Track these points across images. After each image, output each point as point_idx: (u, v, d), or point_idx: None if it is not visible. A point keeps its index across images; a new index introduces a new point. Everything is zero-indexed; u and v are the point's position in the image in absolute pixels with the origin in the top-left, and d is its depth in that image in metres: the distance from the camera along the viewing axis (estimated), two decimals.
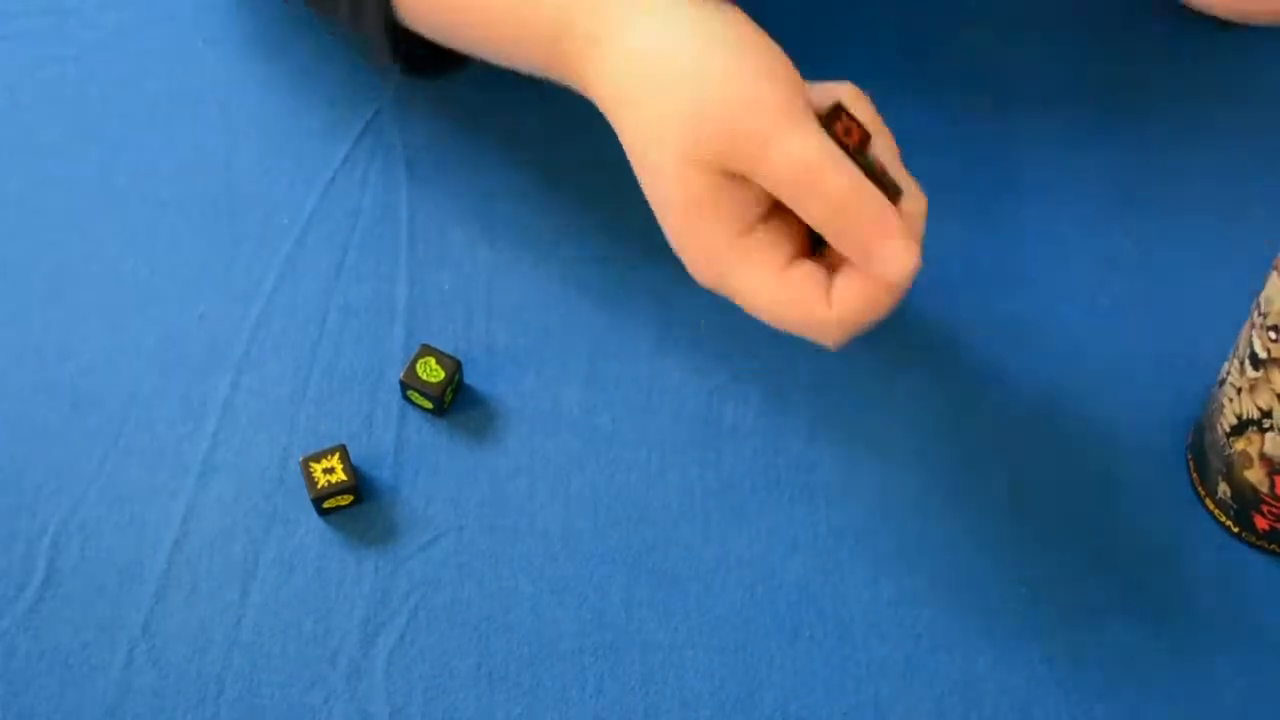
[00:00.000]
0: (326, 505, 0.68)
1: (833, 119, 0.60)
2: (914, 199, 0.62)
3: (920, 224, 0.62)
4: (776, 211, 0.61)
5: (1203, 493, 0.68)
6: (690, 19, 0.62)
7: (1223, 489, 0.67)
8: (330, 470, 0.68)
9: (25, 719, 0.63)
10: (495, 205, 0.79)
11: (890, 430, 0.71)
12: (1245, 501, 0.66)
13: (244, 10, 0.87)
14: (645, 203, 0.78)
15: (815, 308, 0.59)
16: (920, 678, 0.64)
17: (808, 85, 0.62)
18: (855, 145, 0.59)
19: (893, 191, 0.60)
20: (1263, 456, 0.63)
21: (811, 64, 0.86)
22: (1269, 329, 0.60)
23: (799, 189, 0.58)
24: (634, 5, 0.63)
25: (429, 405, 0.71)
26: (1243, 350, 0.63)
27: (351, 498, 0.68)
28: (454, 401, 0.72)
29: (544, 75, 0.68)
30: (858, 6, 0.84)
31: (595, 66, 0.64)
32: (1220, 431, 0.66)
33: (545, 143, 0.81)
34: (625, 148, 0.63)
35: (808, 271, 0.60)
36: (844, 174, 0.57)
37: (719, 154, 0.59)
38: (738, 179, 0.59)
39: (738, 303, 0.61)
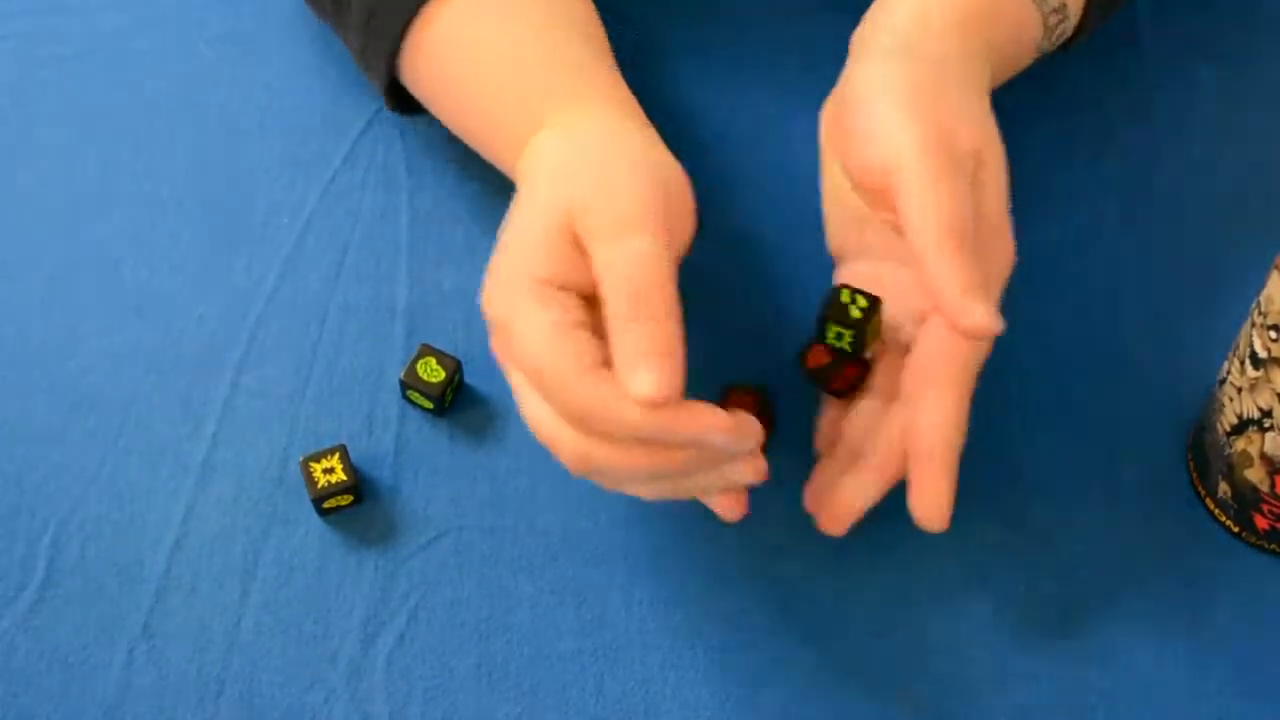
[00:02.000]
0: (326, 505, 0.68)
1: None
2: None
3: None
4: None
5: (1203, 493, 0.68)
6: (606, 129, 0.66)
7: (1223, 489, 0.67)
8: (330, 470, 0.68)
9: (25, 719, 0.63)
10: (495, 205, 0.78)
11: None
12: (1245, 501, 0.66)
13: (245, 10, 0.87)
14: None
15: (578, 382, 0.57)
16: (920, 678, 0.64)
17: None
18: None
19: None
20: (1263, 456, 0.63)
21: (810, 67, 0.86)
22: (1269, 328, 0.60)
23: (608, 287, 0.58)
24: (573, 108, 0.67)
25: (429, 405, 0.71)
26: (1243, 350, 0.63)
27: (351, 498, 0.68)
28: (454, 401, 0.72)
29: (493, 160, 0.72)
30: (860, 7, 0.84)
31: (526, 151, 0.67)
32: (1221, 431, 0.66)
33: None
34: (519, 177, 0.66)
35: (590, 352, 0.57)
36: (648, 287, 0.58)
37: (573, 221, 0.60)
38: (579, 265, 0.60)
39: (511, 337, 0.60)
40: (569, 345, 0.57)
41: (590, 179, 0.62)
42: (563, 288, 0.59)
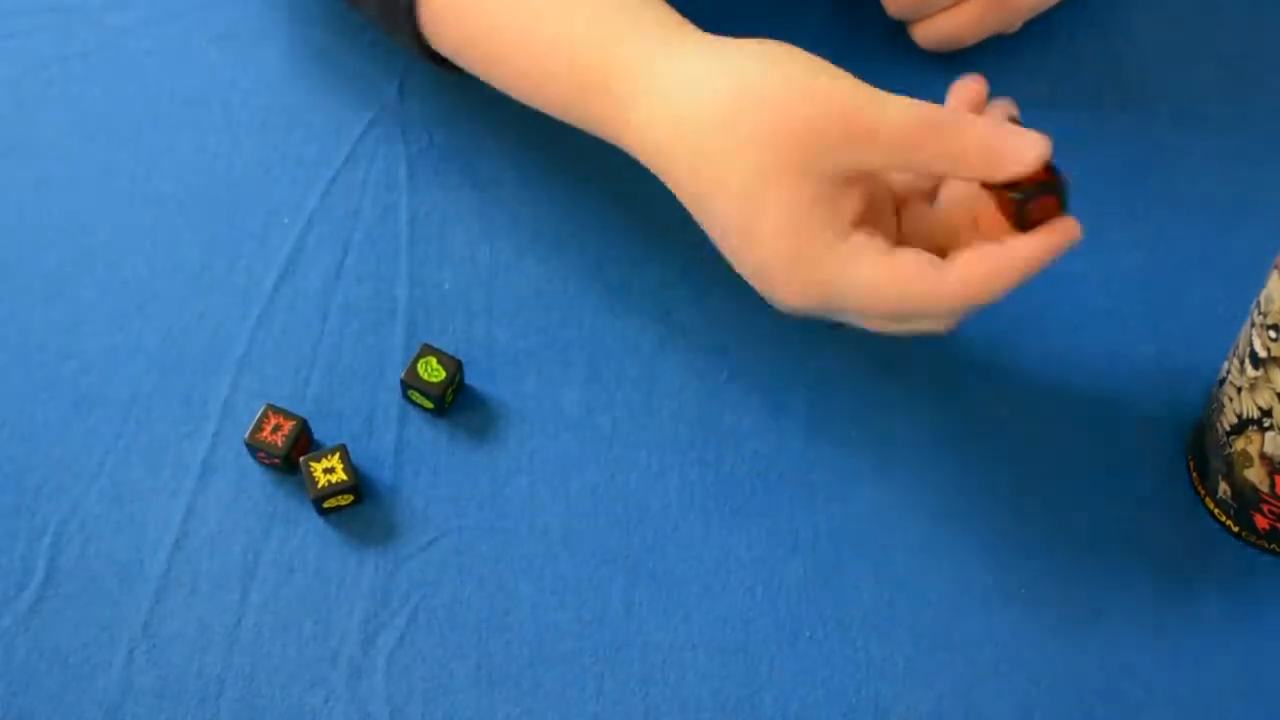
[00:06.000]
0: (326, 505, 0.68)
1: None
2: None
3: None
4: (868, 215, 0.62)
5: (1203, 493, 0.68)
6: (719, 53, 0.63)
7: (1223, 489, 0.67)
8: (330, 470, 0.68)
9: (25, 719, 0.63)
10: (495, 205, 0.79)
11: (890, 430, 0.71)
12: (1245, 501, 0.66)
13: (248, 9, 0.87)
14: (644, 203, 0.78)
15: (933, 278, 0.60)
16: (920, 678, 0.64)
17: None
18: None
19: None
20: (1263, 455, 0.63)
21: None
22: (1269, 328, 0.60)
23: (918, 142, 0.59)
24: (664, 52, 0.64)
25: (430, 405, 0.71)
26: (1243, 349, 0.63)
27: (351, 498, 0.68)
28: (455, 401, 0.72)
29: (575, 125, 0.69)
30: (857, 6, 0.84)
31: (634, 124, 0.64)
32: (1220, 431, 0.65)
33: (546, 143, 0.81)
34: (687, 199, 0.63)
35: (914, 252, 0.61)
36: (953, 112, 0.60)
37: (820, 149, 0.59)
38: (828, 184, 0.59)
39: (849, 309, 0.61)
40: (909, 266, 0.60)
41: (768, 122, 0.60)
42: (840, 219, 0.61)
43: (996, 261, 0.60)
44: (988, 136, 0.60)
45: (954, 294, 0.60)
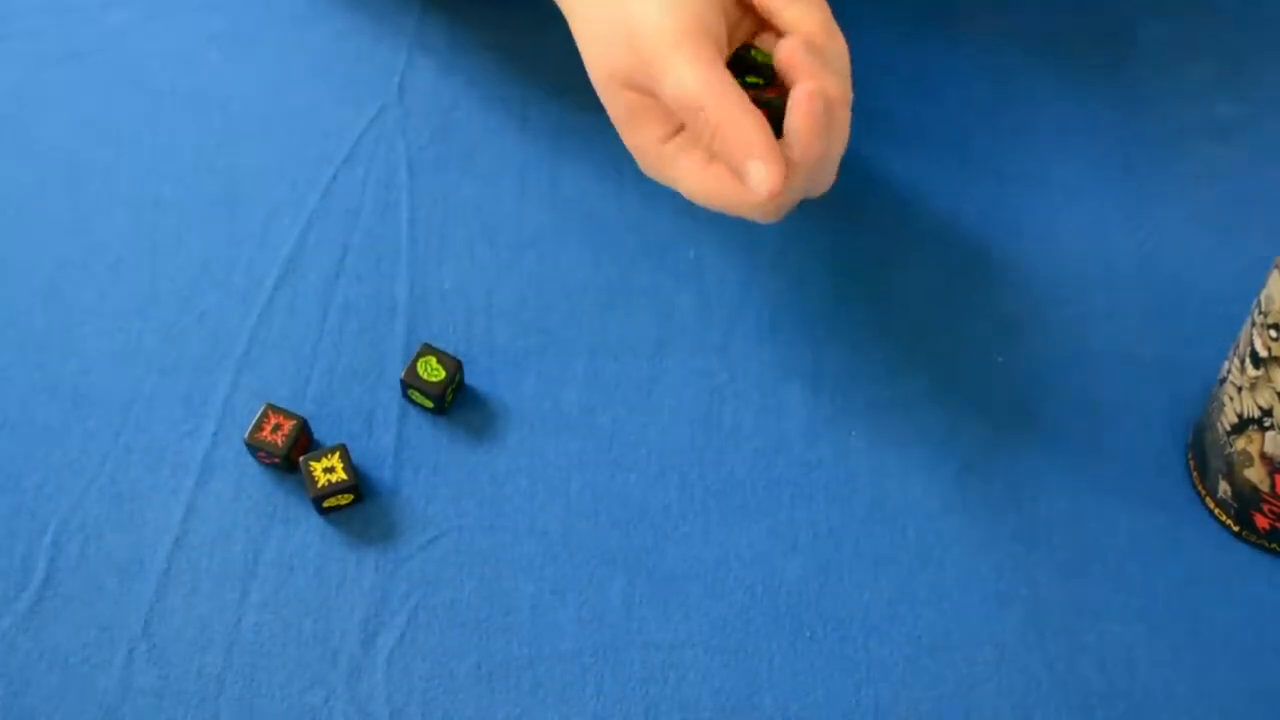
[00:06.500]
0: (326, 505, 0.68)
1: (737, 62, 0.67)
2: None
3: (818, 104, 0.63)
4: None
5: (1203, 492, 0.68)
6: None
7: (1223, 488, 0.67)
8: (330, 470, 0.68)
9: (25, 719, 0.63)
10: (495, 205, 0.79)
11: (890, 430, 0.71)
12: (1246, 500, 0.66)
13: (248, 10, 0.87)
14: (645, 202, 0.78)
15: (739, 194, 0.64)
16: (920, 678, 0.64)
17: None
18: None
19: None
20: (1263, 455, 0.63)
21: None
22: (1269, 327, 0.60)
23: (684, 113, 0.63)
24: None
25: (430, 405, 0.71)
26: (1243, 349, 0.63)
27: (351, 497, 0.68)
28: (454, 401, 0.72)
29: None
30: (855, 2, 0.84)
31: None
32: (1221, 430, 0.65)
33: (546, 143, 0.81)
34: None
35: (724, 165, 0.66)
36: (720, 104, 0.62)
37: (628, 75, 0.65)
38: (651, 95, 0.65)
39: (680, 191, 0.67)
40: (718, 181, 0.65)
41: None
42: (664, 124, 0.66)
43: (781, 159, 0.63)
44: (733, 150, 0.62)
45: (755, 212, 0.65)
